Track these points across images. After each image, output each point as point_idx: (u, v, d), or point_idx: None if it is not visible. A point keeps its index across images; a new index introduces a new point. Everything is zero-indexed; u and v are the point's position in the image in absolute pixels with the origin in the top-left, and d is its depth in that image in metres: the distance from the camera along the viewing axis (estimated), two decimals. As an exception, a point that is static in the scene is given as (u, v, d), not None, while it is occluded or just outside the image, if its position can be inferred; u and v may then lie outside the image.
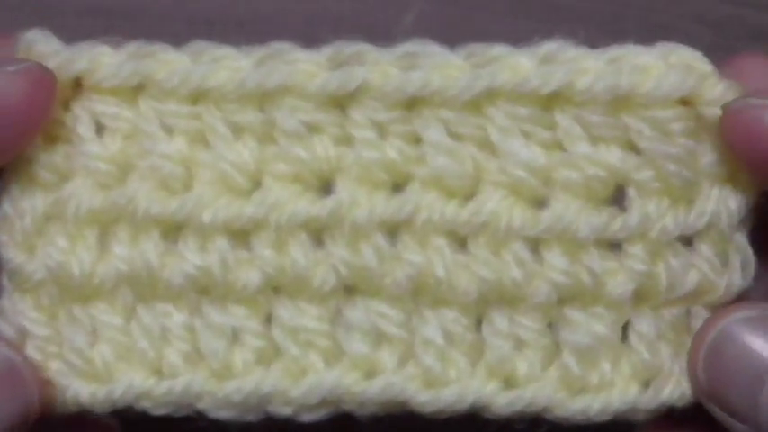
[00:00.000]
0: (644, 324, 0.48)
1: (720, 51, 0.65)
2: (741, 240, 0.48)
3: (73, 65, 0.48)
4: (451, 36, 0.67)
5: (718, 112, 0.46)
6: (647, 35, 0.68)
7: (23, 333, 0.49)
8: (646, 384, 0.48)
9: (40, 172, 0.49)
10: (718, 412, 0.46)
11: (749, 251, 0.48)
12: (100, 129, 0.49)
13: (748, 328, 0.45)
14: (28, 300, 0.49)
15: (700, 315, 0.48)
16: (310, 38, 0.66)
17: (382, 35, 0.66)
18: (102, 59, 0.49)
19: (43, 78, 0.47)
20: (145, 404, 0.49)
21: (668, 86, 0.46)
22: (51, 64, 0.48)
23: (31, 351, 0.49)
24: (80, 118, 0.49)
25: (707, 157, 0.47)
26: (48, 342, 0.49)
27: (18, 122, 0.47)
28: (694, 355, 0.46)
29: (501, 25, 0.67)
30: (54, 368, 0.49)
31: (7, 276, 0.50)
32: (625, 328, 0.49)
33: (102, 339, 0.49)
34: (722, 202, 0.47)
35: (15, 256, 0.49)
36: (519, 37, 0.69)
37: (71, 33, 0.56)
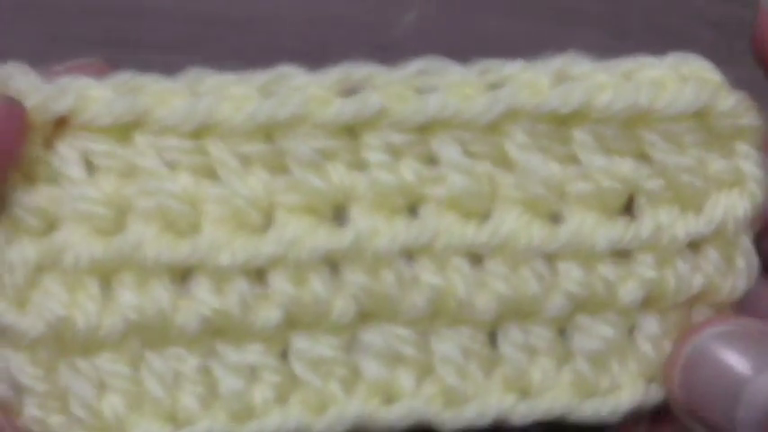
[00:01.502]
0: (651, 326, 0.48)
1: (720, 51, 0.65)
2: (746, 244, 0.48)
3: (57, 102, 0.45)
4: (451, 36, 0.68)
5: (728, 122, 0.47)
6: (648, 35, 0.69)
7: (21, 390, 0.46)
8: (650, 381, 0.49)
9: (26, 218, 0.45)
10: (697, 428, 0.46)
11: (753, 254, 0.49)
12: (90, 168, 0.46)
13: (723, 344, 0.45)
14: (23, 356, 0.46)
15: (702, 312, 0.49)
16: (310, 38, 0.66)
17: (382, 35, 0.67)
18: (91, 95, 0.45)
19: (12, 112, 0.44)
20: None
21: (684, 102, 0.47)
22: (31, 101, 0.44)
23: (31, 408, 0.46)
24: (67, 158, 0.45)
25: (715, 164, 0.48)
26: (48, 398, 0.46)
27: None
28: (670, 372, 0.47)
29: (501, 25, 0.67)
30: (57, 423, 0.46)
31: None
32: (630, 328, 0.49)
33: (111, 390, 0.46)
34: (729, 208, 0.48)
35: (6, 314, 0.45)
36: (518, 37, 0.69)
37: (71, 33, 0.56)
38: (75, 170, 0.45)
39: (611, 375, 0.48)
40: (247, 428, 0.47)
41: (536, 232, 0.47)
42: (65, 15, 0.66)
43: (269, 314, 0.47)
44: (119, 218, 0.46)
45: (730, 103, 0.47)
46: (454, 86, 0.47)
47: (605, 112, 0.47)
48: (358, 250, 0.47)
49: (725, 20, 0.68)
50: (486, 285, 0.47)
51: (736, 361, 0.45)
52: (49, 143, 0.46)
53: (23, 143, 0.44)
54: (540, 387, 0.48)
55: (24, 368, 0.46)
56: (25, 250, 0.45)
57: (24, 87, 0.45)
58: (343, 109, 0.46)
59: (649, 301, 0.48)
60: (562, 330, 0.49)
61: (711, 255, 0.48)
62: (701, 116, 0.47)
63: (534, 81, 0.47)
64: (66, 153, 0.45)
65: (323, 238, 0.46)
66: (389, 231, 0.47)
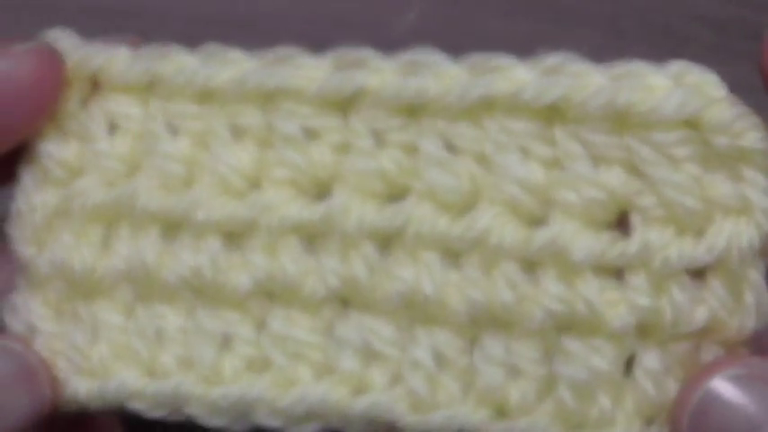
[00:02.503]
0: (650, 359, 0.45)
1: (720, 51, 0.65)
2: (755, 277, 0.45)
3: (90, 62, 0.49)
4: (451, 36, 0.68)
5: (725, 140, 0.44)
6: (647, 35, 0.69)
7: (32, 329, 0.49)
8: (649, 422, 0.46)
9: (54, 169, 0.49)
10: None
11: (764, 289, 0.45)
12: (113, 128, 0.49)
13: (735, 387, 0.43)
14: (37, 296, 0.50)
15: (711, 350, 0.46)
16: (310, 38, 0.66)
17: (382, 35, 0.67)
18: (118, 58, 0.49)
19: (52, 59, 0.47)
20: (136, 404, 0.49)
21: (670, 107, 0.44)
22: (71, 60, 0.49)
23: (39, 347, 0.49)
24: (94, 116, 0.49)
25: (719, 187, 0.44)
26: (54, 339, 0.49)
27: (25, 102, 0.47)
28: (678, 416, 0.44)
29: (501, 25, 0.67)
30: (60, 365, 0.49)
31: (19, 272, 0.50)
32: (630, 362, 0.46)
33: (102, 338, 0.49)
34: (734, 236, 0.44)
35: (26, 251, 0.49)
36: (518, 37, 0.69)
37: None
38: (98, 128, 0.49)
39: (601, 409, 0.45)
40: (214, 392, 0.48)
41: (509, 232, 0.45)
42: (65, 15, 0.66)
43: (239, 280, 0.48)
44: (129, 174, 0.49)
45: (725, 116, 0.44)
46: (438, 75, 0.46)
47: (581, 108, 0.44)
48: (329, 227, 0.47)
49: (725, 20, 0.68)
50: (458, 286, 0.46)
51: (749, 405, 0.43)
52: (84, 103, 0.50)
53: (59, 95, 0.48)
54: (518, 409, 0.46)
55: (36, 308, 0.49)
56: (46, 196, 0.49)
57: (67, 47, 0.49)
58: (325, 83, 0.47)
59: (646, 332, 0.46)
60: (548, 352, 0.46)
61: (716, 287, 0.45)
62: (693, 128, 0.44)
63: (516, 74, 0.46)
64: (95, 113, 0.49)
65: (296, 208, 0.47)
66: (360, 212, 0.47)
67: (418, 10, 0.67)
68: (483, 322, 0.46)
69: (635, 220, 0.45)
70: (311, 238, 0.48)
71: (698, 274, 0.45)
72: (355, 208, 0.47)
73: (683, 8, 0.68)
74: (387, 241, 0.47)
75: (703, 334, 0.46)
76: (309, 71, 0.47)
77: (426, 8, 0.67)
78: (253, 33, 0.66)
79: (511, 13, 0.67)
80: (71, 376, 0.49)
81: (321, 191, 0.48)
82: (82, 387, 0.49)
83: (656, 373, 0.45)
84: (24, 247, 0.49)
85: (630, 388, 0.46)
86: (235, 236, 0.48)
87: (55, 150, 0.49)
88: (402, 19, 0.67)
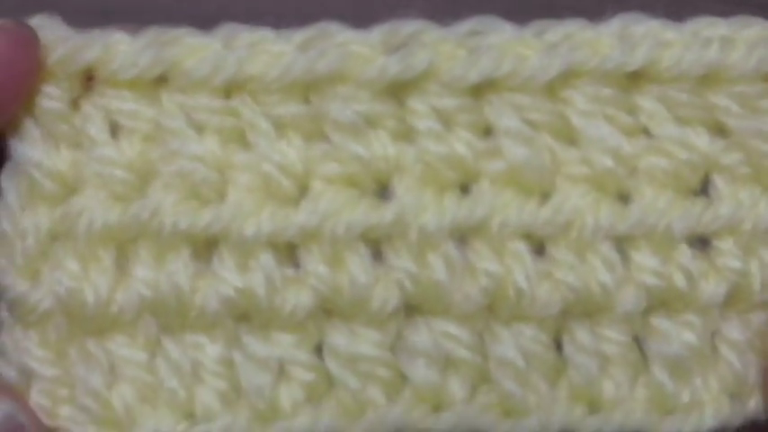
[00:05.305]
0: (733, 331, 0.45)
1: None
2: None
3: (83, 54, 0.43)
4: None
5: None
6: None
7: (28, 374, 0.44)
8: (733, 397, 0.45)
9: (44, 182, 0.43)
10: None
11: None
12: (115, 129, 0.44)
13: None
14: (32, 335, 0.44)
15: None
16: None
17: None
18: (118, 47, 0.43)
19: (22, 37, 0.42)
20: None
21: (757, 59, 0.43)
22: (59, 53, 0.42)
23: (37, 395, 0.44)
24: (91, 117, 0.44)
25: None
26: (57, 384, 0.44)
27: None
28: None
29: (501, 25, 0.67)
30: (65, 414, 0.44)
31: (7, 308, 0.44)
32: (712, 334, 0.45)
33: (123, 378, 0.44)
34: None
35: (17, 284, 0.44)
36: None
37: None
38: (98, 131, 0.43)
39: (693, 389, 0.44)
40: (271, 430, 0.44)
41: (604, 211, 0.43)
42: (65, 15, 0.66)
43: (299, 297, 0.43)
44: (141, 184, 0.43)
45: None
46: (508, 45, 0.43)
47: (674, 69, 0.43)
48: (402, 228, 0.42)
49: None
50: (549, 275, 0.43)
51: None
52: (75, 102, 0.44)
53: (33, 75, 0.42)
54: (613, 400, 0.44)
55: (33, 350, 0.44)
56: (39, 216, 0.43)
57: (53, 37, 0.43)
58: (387, 65, 0.42)
59: (731, 301, 0.44)
60: (636, 336, 0.44)
61: None
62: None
63: (595, 38, 0.43)
64: (91, 112, 0.43)
65: (362, 211, 0.43)
66: (438, 208, 0.42)
67: (418, 10, 0.67)
68: (572, 312, 0.43)
69: (719, 182, 0.44)
70: (377, 241, 0.43)
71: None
72: (430, 204, 0.42)
73: (683, 8, 0.68)
74: (463, 236, 0.43)
75: None
76: (361, 51, 0.42)
77: (426, 8, 0.67)
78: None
79: (511, 13, 0.68)
80: (86, 427, 0.43)
81: (379, 186, 0.44)
82: None
83: (739, 345, 0.44)
84: (14, 278, 0.44)
85: (715, 361, 0.44)
86: (286, 247, 0.43)
87: (44, 160, 0.43)
88: (402, 19, 0.67)
